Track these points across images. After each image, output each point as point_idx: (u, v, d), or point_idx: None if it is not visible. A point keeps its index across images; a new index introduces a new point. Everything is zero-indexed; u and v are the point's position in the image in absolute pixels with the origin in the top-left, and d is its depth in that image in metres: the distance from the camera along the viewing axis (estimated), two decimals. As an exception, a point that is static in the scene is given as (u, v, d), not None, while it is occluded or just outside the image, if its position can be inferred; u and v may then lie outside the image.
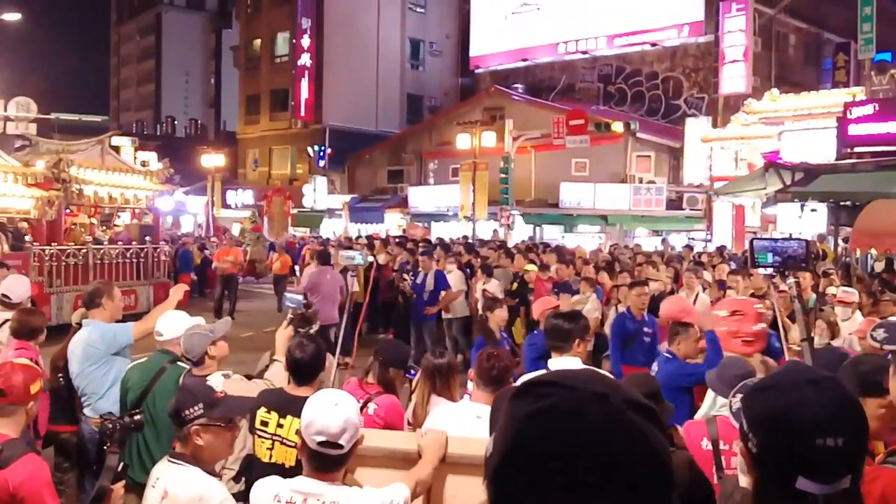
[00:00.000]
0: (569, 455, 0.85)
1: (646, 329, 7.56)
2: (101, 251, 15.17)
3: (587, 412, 0.88)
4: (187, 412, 2.75)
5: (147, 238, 16.57)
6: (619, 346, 7.53)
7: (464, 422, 3.26)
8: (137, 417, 3.29)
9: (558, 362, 4.21)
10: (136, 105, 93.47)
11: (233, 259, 16.53)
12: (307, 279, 11.75)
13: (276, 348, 4.32)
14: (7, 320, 5.36)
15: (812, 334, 2.93)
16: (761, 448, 1.41)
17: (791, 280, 2.96)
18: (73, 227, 16.65)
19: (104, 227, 18.43)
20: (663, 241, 23.51)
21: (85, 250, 14.71)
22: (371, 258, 11.29)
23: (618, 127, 23.49)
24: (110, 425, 3.15)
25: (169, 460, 2.79)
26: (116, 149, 18.13)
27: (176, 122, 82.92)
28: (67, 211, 15.99)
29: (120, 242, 16.38)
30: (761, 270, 8.80)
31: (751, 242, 2.98)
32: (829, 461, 1.34)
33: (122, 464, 3.16)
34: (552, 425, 0.88)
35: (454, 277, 11.80)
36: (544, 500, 0.86)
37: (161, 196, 18.03)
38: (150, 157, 25.19)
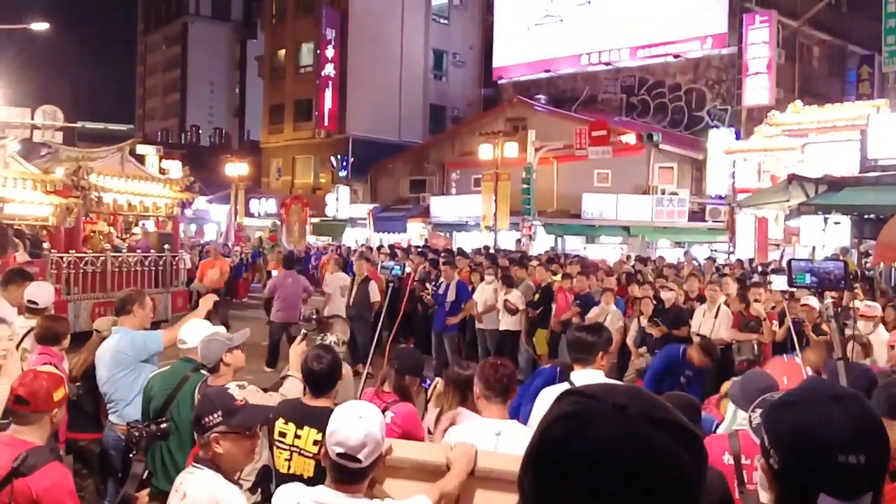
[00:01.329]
0: (573, 457, 0.93)
1: (688, 372, 7.43)
2: (120, 259, 15.03)
3: (599, 420, 0.94)
4: (207, 419, 2.78)
5: (166, 246, 16.46)
6: (661, 372, 7.46)
7: (484, 439, 3.22)
8: (164, 426, 3.34)
9: (581, 375, 4.19)
10: (162, 114, 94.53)
11: (219, 272, 16.07)
12: (271, 283, 13.17)
13: (290, 364, 4.32)
14: (32, 328, 5.42)
15: (846, 354, 2.92)
16: (783, 464, 1.41)
17: (828, 300, 2.96)
18: (91, 234, 16.58)
19: (124, 236, 18.35)
20: (686, 252, 23.35)
21: (103, 258, 14.55)
22: (409, 269, 11.44)
23: (630, 139, 23.39)
24: (136, 433, 3.20)
25: (193, 465, 2.83)
26: (140, 157, 18.14)
27: (200, 132, 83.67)
28: (86, 219, 15.91)
29: (139, 250, 16.25)
30: (776, 287, 8.75)
31: (789, 263, 3.00)
32: (850, 478, 1.34)
33: (146, 471, 3.21)
34: (566, 430, 0.95)
35: (488, 289, 11.84)
36: (554, 498, 0.93)
37: (182, 205, 18.03)
38: (175, 165, 25.40)
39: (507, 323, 11.42)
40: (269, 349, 11.97)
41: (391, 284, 4.85)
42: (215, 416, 2.78)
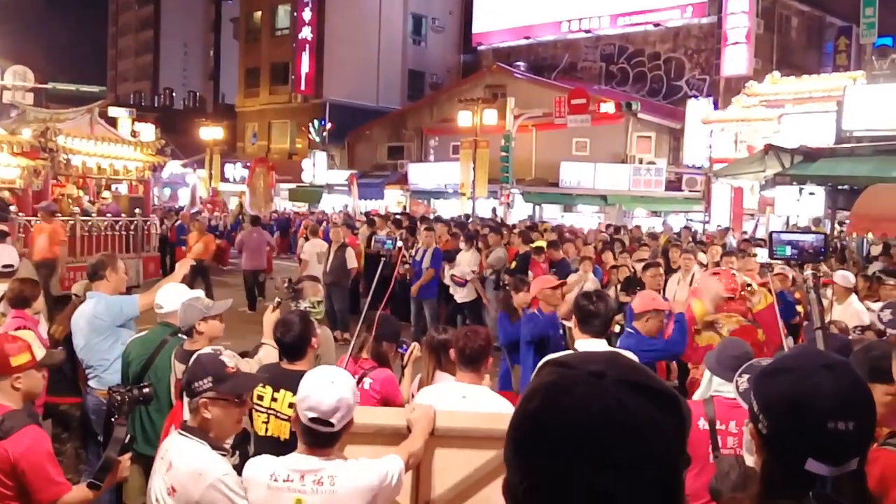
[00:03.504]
0: (553, 426, 0.93)
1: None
2: (90, 223, 14.76)
3: (576, 389, 0.95)
4: (197, 384, 2.75)
5: (137, 210, 16.15)
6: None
7: (450, 402, 3.28)
8: (147, 390, 3.32)
9: (584, 344, 4.20)
10: (135, 76, 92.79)
11: (203, 246, 15.75)
12: (239, 239, 15.45)
13: (265, 332, 4.32)
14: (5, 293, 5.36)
15: (825, 324, 2.96)
16: (772, 430, 1.43)
17: (808, 272, 3.00)
18: (60, 197, 16.19)
19: (94, 199, 17.95)
20: (664, 222, 23.52)
21: (72, 222, 14.23)
22: (401, 242, 11.51)
23: (609, 107, 23.36)
24: (119, 397, 3.18)
25: (179, 432, 2.80)
26: (113, 120, 17.80)
27: (174, 94, 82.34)
28: (55, 182, 15.53)
29: (109, 214, 15.92)
30: (759, 259, 8.86)
31: (770, 235, 3.03)
32: (839, 444, 1.36)
33: (129, 436, 3.19)
34: (545, 400, 0.96)
35: (467, 257, 11.82)
36: (535, 469, 0.94)
37: (154, 168, 17.70)
38: (148, 128, 24.96)
39: (461, 294, 11.41)
40: (246, 295, 13.93)
41: (383, 257, 4.82)
42: (205, 381, 2.75)
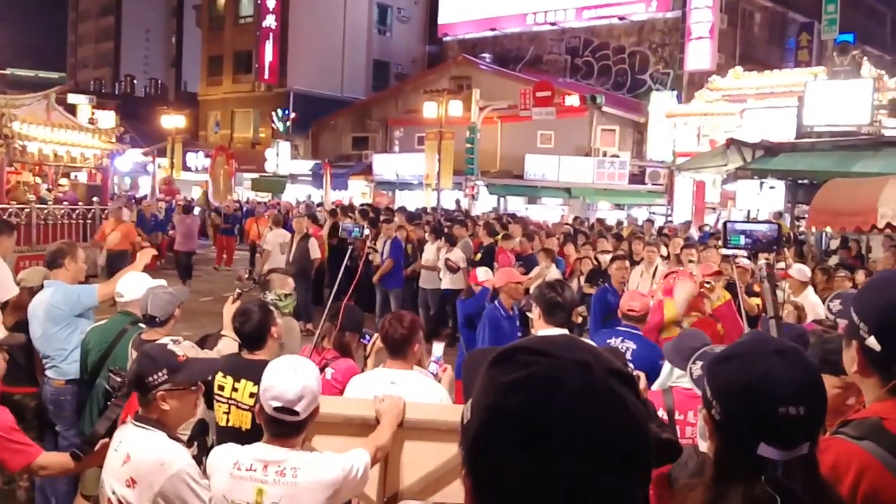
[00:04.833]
0: (550, 423, 0.87)
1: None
2: (46, 211, 14.39)
3: (569, 381, 0.89)
4: (151, 378, 2.70)
5: (95, 199, 15.81)
6: (600, 319, 7.56)
7: (378, 388, 3.27)
8: None
9: (546, 333, 4.23)
10: (95, 63, 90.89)
11: (120, 235, 14.56)
12: (173, 222, 18.16)
13: (224, 323, 4.28)
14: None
15: (779, 313, 2.99)
16: (725, 415, 1.45)
17: (762, 262, 3.04)
18: (16, 185, 15.67)
19: (52, 187, 17.48)
20: (628, 215, 23.73)
21: (28, 210, 13.92)
22: (367, 231, 11.49)
23: (574, 100, 23.47)
24: (119, 379, 3.20)
25: (133, 424, 2.74)
26: (73, 107, 17.41)
27: (135, 82, 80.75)
28: (10, 169, 15.08)
29: (66, 203, 15.57)
30: (727, 251, 8.97)
31: (724, 225, 3.06)
32: (790, 429, 1.38)
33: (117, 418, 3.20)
34: (535, 393, 0.88)
35: (431, 249, 11.86)
36: (524, 467, 0.86)
37: (116, 156, 17.39)
38: (108, 115, 24.43)
39: (447, 282, 11.46)
40: (181, 272, 15.95)
41: (350, 246, 4.80)
42: (160, 374, 2.70)
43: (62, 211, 14.90)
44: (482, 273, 7.07)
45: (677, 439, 3.10)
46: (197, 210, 22.47)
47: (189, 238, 16.77)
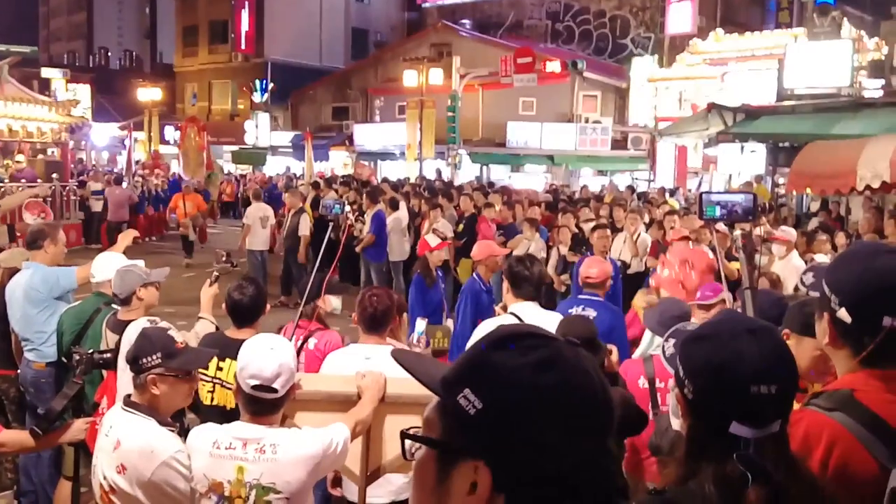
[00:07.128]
0: (580, 398, 0.97)
1: None
2: (2, 189, 13.94)
3: (579, 360, 1.00)
4: (145, 360, 2.69)
5: (54, 175, 15.40)
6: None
7: (354, 364, 3.29)
8: (107, 356, 3.31)
9: (519, 307, 4.31)
10: (68, 35, 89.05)
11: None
12: (105, 194, 17.39)
13: (202, 306, 4.27)
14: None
15: (754, 284, 3.02)
16: (697, 395, 1.46)
17: (737, 232, 3.06)
18: None
19: (6, 162, 16.81)
20: (610, 181, 23.74)
21: (-19, 188, 13.39)
22: (348, 207, 11.50)
23: (555, 66, 23.31)
24: (78, 357, 3.23)
25: (123, 409, 2.73)
26: (47, 81, 16.96)
27: (109, 54, 79.29)
28: None
29: (23, 180, 15.00)
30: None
31: (700, 196, 3.07)
32: (762, 407, 1.39)
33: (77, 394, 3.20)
34: (560, 374, 0.97)
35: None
36: (552, 440, 0.95)
37: (79, 129, 16.91)
38: (83, 89, 24.01)
39: None
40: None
41: (331, 222, 4.78)
42: (154, 357, 2.69)
43: (20, 189, 14.53)
44: (432, 239, 7.02)
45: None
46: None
47: (119, 208, 16.48)
